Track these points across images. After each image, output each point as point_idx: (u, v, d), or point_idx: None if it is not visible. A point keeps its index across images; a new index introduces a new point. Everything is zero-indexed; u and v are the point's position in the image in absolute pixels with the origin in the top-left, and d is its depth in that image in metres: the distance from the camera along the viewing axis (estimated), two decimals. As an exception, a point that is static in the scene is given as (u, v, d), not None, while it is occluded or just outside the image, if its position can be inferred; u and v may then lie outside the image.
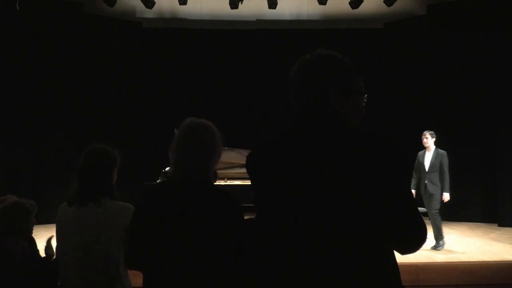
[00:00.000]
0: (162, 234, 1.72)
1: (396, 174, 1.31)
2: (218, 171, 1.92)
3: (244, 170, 7.54)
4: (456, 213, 8.28)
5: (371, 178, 1.28)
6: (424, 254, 5.24)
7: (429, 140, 6.18)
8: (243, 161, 7.72)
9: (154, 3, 8.95)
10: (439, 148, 6.15)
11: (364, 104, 1.50)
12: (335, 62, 1.45)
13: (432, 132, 6.29)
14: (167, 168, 1.98)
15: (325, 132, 1.38)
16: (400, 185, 1.31)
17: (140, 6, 9.10)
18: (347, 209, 1.29)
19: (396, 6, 8.95)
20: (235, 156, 7.12)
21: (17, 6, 7.53)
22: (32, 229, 2.75)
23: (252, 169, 1.47)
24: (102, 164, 2.27)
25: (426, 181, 5.98)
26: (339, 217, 1.30)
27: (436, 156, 6.04)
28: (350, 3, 8.96)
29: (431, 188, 5.90)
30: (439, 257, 5.16)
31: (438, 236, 5.72)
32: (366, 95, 1.50)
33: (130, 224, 1.79)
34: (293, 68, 1.51)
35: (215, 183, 1.89)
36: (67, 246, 2.24)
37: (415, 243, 1.36)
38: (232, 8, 8.99)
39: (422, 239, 1.35)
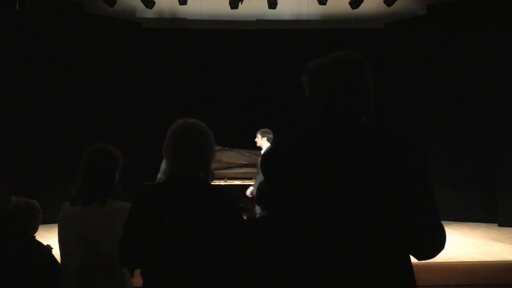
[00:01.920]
0: (161, 234, 1.72)
1: (396, 174, 1.30)
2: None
3: (244, 170, 7.56)
4: (456, 213, 8.28)
5: (371, 178, 1.28)
6: (424, 254, 5.22)
7: (259, 140, 5.95)
8: (243, 161, 7.72)
9: (154, 3, 8.94)
10: None
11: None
12: (347, 63, 1.45)
13: (265, 130, 6.00)
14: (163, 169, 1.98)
15: (324, 132, 1.38)
16: (400, 186, 1.31)
17: (140, 6, 9.10)
18: (347, 209, 1.29)
19: (396, 6, 8.95)
20: (235, 156, 7.12)
21: (17, 6, 7.52)
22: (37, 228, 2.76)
23: (263, 172, 1.50)
24: (105, 164, 2.28)
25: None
26: (339, 217, 1.30)
27: None
28: (350, 3, 8.96)
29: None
30: (439, 257, 5.16)
31: None
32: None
33: (125, 223, 1.79)
34: (308, 72, 1.49)
35: (214, 183, 1.90)
36: (69, 246, 2.24)
37: (422, 246, 1.34)
38: (232, 8, 8.99)
39: (429, 241, 1.33)
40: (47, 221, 6.36)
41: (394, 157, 1.31)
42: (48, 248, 2.69)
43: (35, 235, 2.74)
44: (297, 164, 1.35)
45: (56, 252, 2.37)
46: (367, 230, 1.29)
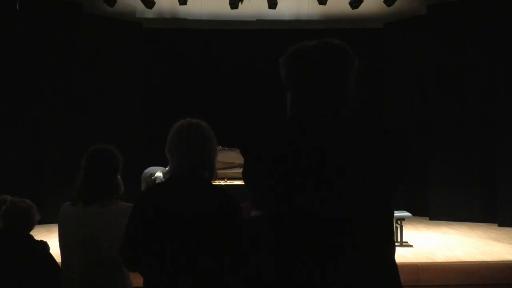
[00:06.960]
0: (163, 234, 1.72)
1: (398, 167, 1.31)
2: (218, 171, 1.92)
3: (244, 170, 7.55)
4: (456, 213, 8.28)
5: (374, 171, 1.28)
6: (424, 254, 5.25)
7: None
8: (243, 161, 7.72)
9: (154, 3, 8.94)
10: None
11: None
12: (331, 51, 1.43)
13: None
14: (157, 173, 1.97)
15: (326, 123, 1.35)
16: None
17: (140, 6, 9.10)
18: (346, 208, 1.28)
19: (396, 6, 8.95)
20: (235, 156, 7.11)
21: (17, 6, 7.52)
22: None
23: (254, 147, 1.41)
24: (107, 164, 2.28)
25: None
26: (339, 217, 1.29)
27: None
28: (350, 3, 8.96)
29: None
30: (439, 257, 5.16)
31: None
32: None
33: (128, 222, 1.79)
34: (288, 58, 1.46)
35: (215, 183, 1.90)
36: (70, 245, 2.24)
37: None
38: (232, 8, 8.99)
39: None
40: (47, 221, 6.39)
41: (398, 148, 1.32)
42: (45, 244, 2.70)
43: (33, 235, 2.75)
44: (295, 159, 1.28)
45: (56, 252, 2.37)
46: (366, 230, 1.29)
